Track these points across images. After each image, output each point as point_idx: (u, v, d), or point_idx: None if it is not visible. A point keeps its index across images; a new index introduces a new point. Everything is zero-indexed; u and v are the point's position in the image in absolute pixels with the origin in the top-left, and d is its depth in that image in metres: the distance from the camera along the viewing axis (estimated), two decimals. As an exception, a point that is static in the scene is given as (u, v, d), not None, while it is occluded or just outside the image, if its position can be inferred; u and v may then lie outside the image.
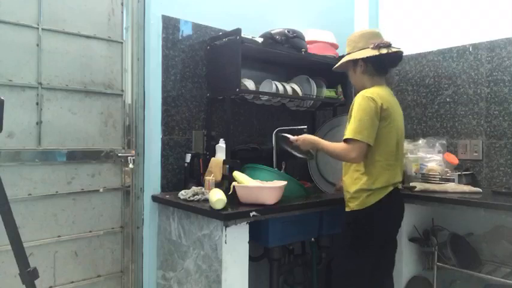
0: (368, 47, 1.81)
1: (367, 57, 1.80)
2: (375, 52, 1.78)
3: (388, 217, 1.81)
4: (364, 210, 1.75)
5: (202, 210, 1.74)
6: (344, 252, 1.86)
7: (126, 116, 2.09)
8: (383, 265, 1.92)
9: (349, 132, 1.70)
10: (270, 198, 1.78)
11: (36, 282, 1.31)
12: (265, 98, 2.31)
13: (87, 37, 1.96)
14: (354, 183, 1.78)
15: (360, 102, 1.72)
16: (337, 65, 1.99)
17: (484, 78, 2.44)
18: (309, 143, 1.91)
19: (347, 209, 1.82)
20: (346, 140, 1.72)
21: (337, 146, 1.77)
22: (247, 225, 1.74)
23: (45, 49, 1.84)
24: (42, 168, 1.83)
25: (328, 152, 1.83)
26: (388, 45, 1.79)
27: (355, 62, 1.87)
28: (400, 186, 1.89)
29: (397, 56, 1.85)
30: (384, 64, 1.85)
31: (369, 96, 1.71)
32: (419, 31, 2.79)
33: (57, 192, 1.87)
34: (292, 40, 2.24)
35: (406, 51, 2.82)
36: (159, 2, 2.11)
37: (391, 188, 1.77)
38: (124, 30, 2.08)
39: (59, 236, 1.87)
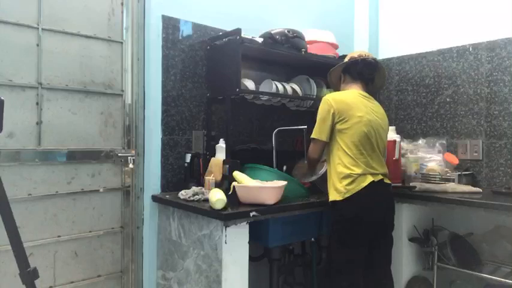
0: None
1: (343, 68, 2.07)
2: (347, 61, 2.04)
3: (369, 207, 1.85)
4: (345, 201, 1.83)
5: (202, 210, 1.74)
6: (334, 247, 1.93)
7: (126, 116, 2.09)
8: (376, 260, 1.93)
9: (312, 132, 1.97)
10: (270, 198, 1.78)
11: (36, 282, 1.31)
12: (265, 98, 2.31)
13: (87, 37, 1.96)
14: (334, 173, 1.90)
15: (320, 105, 1.96)
16: (330, 84, 2.25)
17: (484, 78, 2.44)
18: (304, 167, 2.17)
19: (330, 199, 1.90)
20: (311, 139, 1.98)
21: (309, 148, 2.02)
22: (247, 225, 1.74)
23: (45, 49, 1.84)
24: (42, 168, 1.83)
25: (307, 157, 2.06)
26: (360, 56, 2.02)
27: (340, 77, 2.13)
28: (385, 179, 1.93)
29: (367, 61, 2.02)
30: (356, 70, 2.03)
31: (325, 99, 1.94)
32: (419, 31, 2.79)
33: (57, 192, 1.87)
34: (292, 40, 2.24)
35: (406, 51, 2.85)
36: (159, 2, 2.11)
37: (370, 178, 1.84)
38: (124, 30, 2.08)
39: (59, 236, 1.87)
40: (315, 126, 1.95)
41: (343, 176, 1.84)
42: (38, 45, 1.82)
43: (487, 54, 2.43)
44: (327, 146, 1.96)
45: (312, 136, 1.96)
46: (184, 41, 2.20)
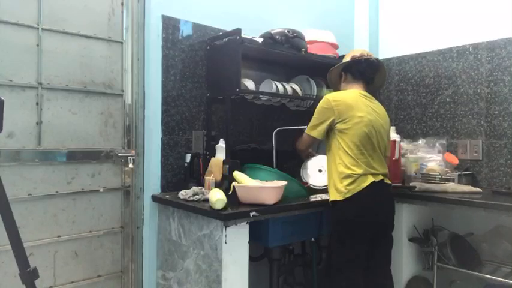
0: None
1: (344, 67, 2.06)
2: (349, 60, 2.04)
3: (370, 207, 1.84)
4: (345, 201, 1.83)
5: (202, 210, 1.74)
6: (334, 246, 1.93)
7: (126, 116, 2.09)
8: (376, 260, 1.93)
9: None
10: (270, 198, 1.78)
11: (36, 282, 1.31)
12: (265, 98, 2.31)
13: (87, 37, 1.96)
14: (334, 173, 1.89)
15: (320, 103, 1.96)
16: (329, 82, 2.23)
17: (484, 78, 2.44)
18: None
19: (330, 199, 1.90)
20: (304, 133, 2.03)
21: (301, 138, 2.09)
22: (247, 225, 1.74)
23: (45, 49, 1.84)
24: (42, 168, 1.83)
25: (295, 146, 2.17)
26: (362, 55, 2.02)
27: (340, 75, 2.11)
28: (386, 179, 1.93)
29: (370, 61, 2.02)
30: (358, 70, 2.02)
31: (326, 98, 1.94)
32: (419, 31, 2.79)
33: (57, 192, 1.87)
34: (292, 40, 2.24)
35: (406, 51, 2.85)
36: (159, 2, 2.11)
37: (371, 178, 1.84)
38: (124, 30, 2.08)
39: (59, 236, 1.87)
40: (311, 121, 1.97)
41: (344, 176, 1.84)
42: (38, 45, 1.82)
43: (487, 54, 2.43)
44: (327, 146, 1.96)
45: (306, 132, 1.99)
46: (184, 41, 2.20)
